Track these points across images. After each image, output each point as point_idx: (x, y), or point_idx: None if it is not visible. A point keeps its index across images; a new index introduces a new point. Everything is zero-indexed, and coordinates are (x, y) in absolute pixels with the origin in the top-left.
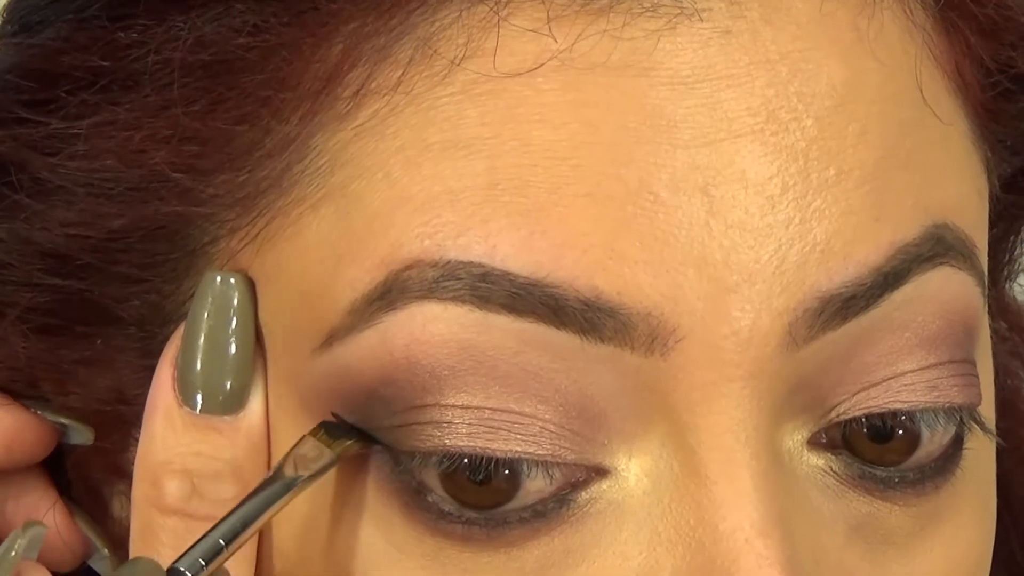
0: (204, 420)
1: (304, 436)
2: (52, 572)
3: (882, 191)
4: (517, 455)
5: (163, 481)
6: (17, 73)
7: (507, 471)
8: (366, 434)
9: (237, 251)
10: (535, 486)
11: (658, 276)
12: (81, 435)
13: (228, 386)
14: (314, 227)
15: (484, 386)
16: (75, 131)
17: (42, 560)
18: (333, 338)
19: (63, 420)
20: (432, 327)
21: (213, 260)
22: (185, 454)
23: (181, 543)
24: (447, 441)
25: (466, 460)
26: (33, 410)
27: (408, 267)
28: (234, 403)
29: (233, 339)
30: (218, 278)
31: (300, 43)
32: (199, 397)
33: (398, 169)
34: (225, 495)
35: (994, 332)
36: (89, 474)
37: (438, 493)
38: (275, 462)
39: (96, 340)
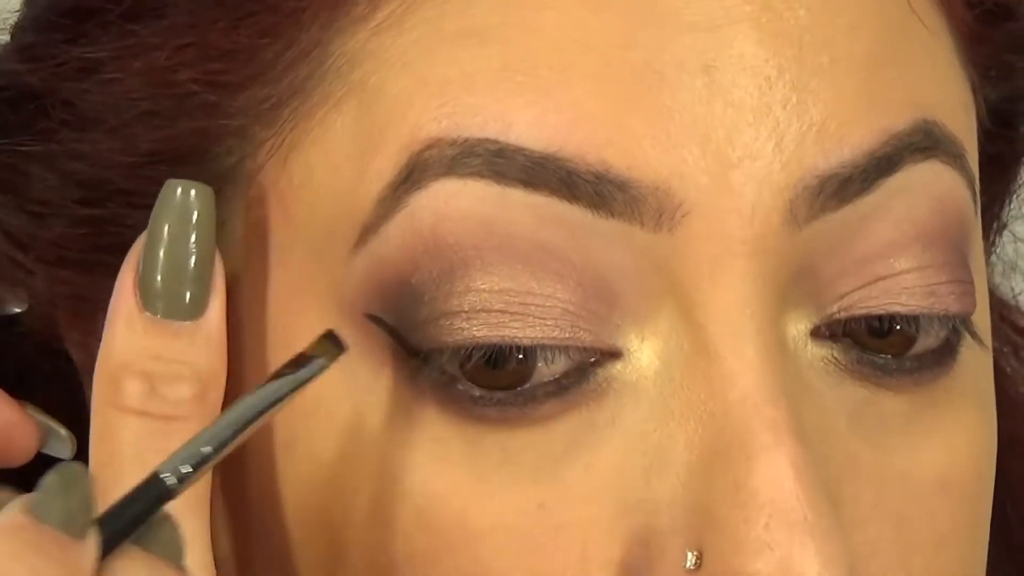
0: (164, 324)
1: (298, 353)
2: (9, 468)
3: (872, 82)
4: (540, 341)
5: (123, 382)
6: (53, 11)
7: (523, 356)
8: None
9: (265, 165)
10: (553, 368)
11: (665, 151)
12: (63, 446)
13: (188, 293)
14: (338, 125)
15: (508, 265)
16: (104, 55)
17: None
18: (367, 232)
19: (51, 423)
20: (454, 202)
21: (242, 180)
22: (145, 356)
23: (140, 443)
24: (476, 333)
25: (487, 352)
26: (23, 408)
27: (428, 147)
28: (194, 309)
29: (194, 248)
30: (179, 188)
31: None
32: (159, 303)
33: (415, 58)
34: (184, 396)
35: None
36: None
37: (464, 382)
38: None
39: None
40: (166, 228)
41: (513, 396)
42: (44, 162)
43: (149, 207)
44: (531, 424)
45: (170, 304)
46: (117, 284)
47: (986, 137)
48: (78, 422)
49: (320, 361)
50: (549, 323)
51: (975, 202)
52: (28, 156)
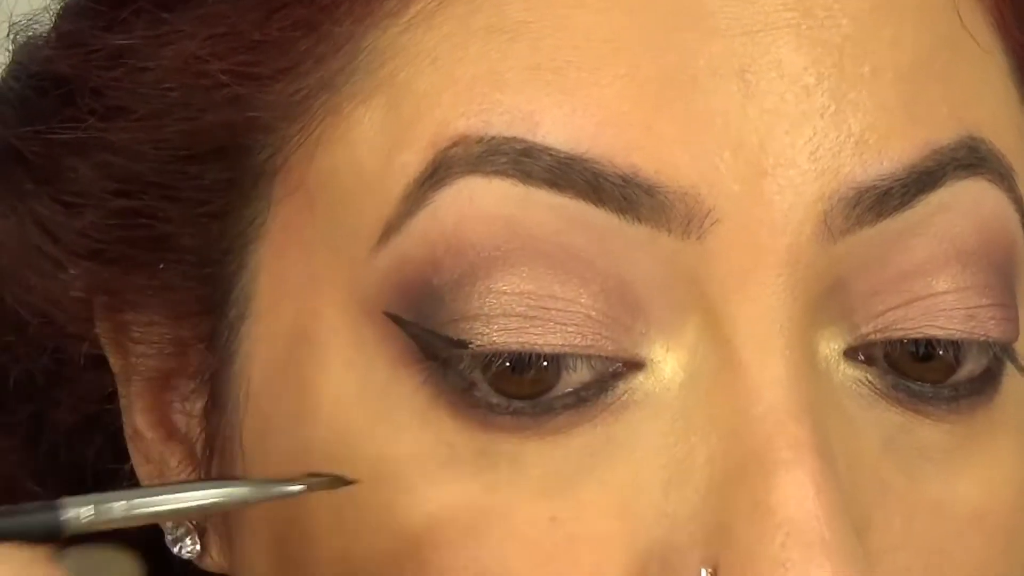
0: None
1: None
2: None
3: (916, 94)
4: (561, 349)
5: None
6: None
7: (547, 363)
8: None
9: (292, 162)
10: (576, 378)
11: (695, 157)
12: None
13: None
14: (366, 120)
15: (530, 266)
16: (136, 43)
17: None
18: (390, 229)
19: None
20: (478, 201)
21: (271, 176)
22: None
23: None
24: (495, 339)
25: (508, 358)
26: None
27: (454, 144)
28: None
29: None
30: None
31: None
32: None
33: (445, 54)
34: None
35: None
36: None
37: (484, 387)
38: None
39: (157, 267)
40: None
41: (530, 406)
42: (76, 152)
43: (182, 200)
44: (544, 436)
45: None
46: None
47: None
48: None
49: (301, 489)
50: (571, 329)
51: None
52: (61, 145)
